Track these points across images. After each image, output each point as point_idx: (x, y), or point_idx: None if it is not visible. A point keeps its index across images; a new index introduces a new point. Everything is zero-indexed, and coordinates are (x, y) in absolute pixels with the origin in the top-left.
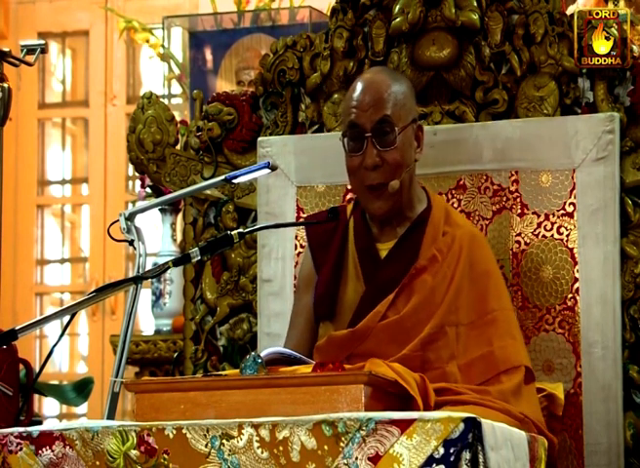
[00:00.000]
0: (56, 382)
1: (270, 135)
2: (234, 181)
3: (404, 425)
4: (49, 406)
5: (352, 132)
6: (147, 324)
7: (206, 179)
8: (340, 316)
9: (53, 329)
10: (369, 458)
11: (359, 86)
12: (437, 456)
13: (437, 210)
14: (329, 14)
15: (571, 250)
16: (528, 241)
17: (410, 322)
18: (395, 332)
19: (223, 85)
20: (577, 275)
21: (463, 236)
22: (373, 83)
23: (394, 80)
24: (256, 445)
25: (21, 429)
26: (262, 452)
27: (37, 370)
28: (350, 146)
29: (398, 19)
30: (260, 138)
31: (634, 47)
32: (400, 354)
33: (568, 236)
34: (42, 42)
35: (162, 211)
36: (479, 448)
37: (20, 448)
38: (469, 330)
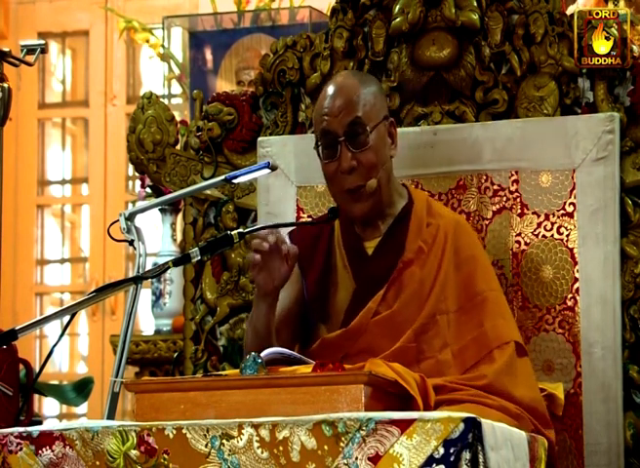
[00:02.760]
0: (56, 382)
1: (270, 135)
2: (234, 181)
3: (404, 425)
4: (49, 406)
5: (325, 139)
6: (147, 324)
7: (206, 179)
8: (332, 317)
9: (53, 329)
10: (369, 458)
11: (329, 92)
12: (437, 456)
13: (419, 203)
14: (329, 14)
15: (571, 250)
16: (528, 241)
17: (402, 315)
18: (388, 327)
19: (223, 85)
20: (577, 275)
21: (447, 225)
22: (342, 87)
23: (362, 82)
24: (256, 445)
25: (21, 429)
26: (262, 452)
27: (37, 370)
28: (325, 154)
29: (398, 20)
30: (259, 138)
31: (634, 47)
32: (395, 347)
33: (568, 236)
34: (42, 42)
35: (162, 211)
36: (479, 448)
37: (20, 448)
38: (460, 315)
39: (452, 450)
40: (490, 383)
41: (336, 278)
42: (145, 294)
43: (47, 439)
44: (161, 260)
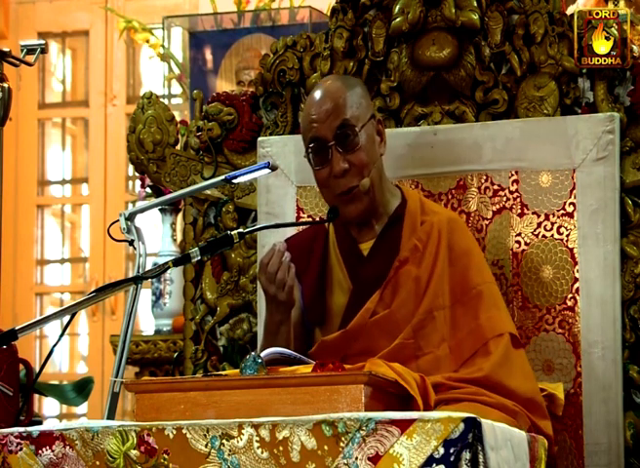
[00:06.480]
0: (56, 382)
1: (270, 135)
2: (234, 181)
3: (404, 425)
4: (49, 406)
5: (315, 146)
6: (147, 324)
7: (206, 179)
8: (330, 321)
9: (53, 329)
10: (369, 458)
11: (315, 98)
12: (437, 456)
13: (412, 202)
14: (329, 14)
15: (571, 250)
16: (528, 241)
17: (400, 314)
18: (387, 327)
19: (223, 85)
20: (577, 275)
21: (441, 221)
22: (327, 92)
23: (347, 85)
24: (256, 445)
25: (21, 429)
26: (262, 452)
27: (37, 370)
28: (316, 160)
29: (398, 20)
30: (260, 138)
31: (634, 47)
32: (393, 344)
33: (568, 236)
34: (42, 42)
35: (162, 211)
36: (479, 448)
37: (20, 448)
38: (456, 309)
39: (452, 450)
40: (486, 376)
41: (332, 281)
42: (145, 294)
43: (47, 439)
44: (161, 260)
